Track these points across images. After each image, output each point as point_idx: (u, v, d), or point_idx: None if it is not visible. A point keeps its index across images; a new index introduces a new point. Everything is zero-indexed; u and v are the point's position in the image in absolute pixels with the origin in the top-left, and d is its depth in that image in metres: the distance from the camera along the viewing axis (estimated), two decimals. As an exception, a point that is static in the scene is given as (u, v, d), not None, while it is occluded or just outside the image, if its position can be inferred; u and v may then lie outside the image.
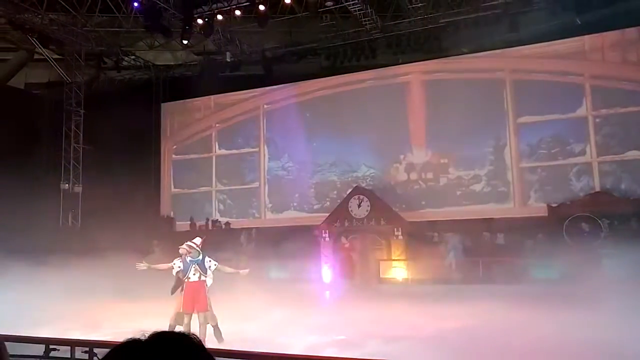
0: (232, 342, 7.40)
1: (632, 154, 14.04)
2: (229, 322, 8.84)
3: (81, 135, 18.09)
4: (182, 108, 19.72)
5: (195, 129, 19.48)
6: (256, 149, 18.47)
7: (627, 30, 14.19)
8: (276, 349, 6.76)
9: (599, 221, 13.49)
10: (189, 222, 18.30)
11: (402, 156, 16.39)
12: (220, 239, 16.68)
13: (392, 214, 15.13)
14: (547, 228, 13.99)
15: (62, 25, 16.34)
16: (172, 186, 19.60)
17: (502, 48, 15.26)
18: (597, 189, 14.25)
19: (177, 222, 18.83)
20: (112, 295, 10.88)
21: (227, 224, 18.08)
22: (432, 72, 16.21)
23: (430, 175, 16.06)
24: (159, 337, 1.06)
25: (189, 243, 7.79)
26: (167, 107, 19.87)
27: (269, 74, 16.99)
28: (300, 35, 16.17)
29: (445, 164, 15.92)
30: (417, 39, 14.90)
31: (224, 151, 18.98)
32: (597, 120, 14.48)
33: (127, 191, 15.80)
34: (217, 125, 19.19)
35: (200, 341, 1.09)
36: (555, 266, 12.11)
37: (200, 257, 7.58)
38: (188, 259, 7.59)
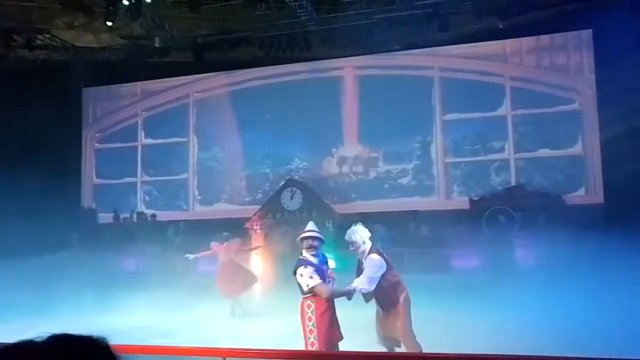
0: (155, 337, 7.22)
1: (543, 152, 15.16)
2: (154, 316, 8.61)
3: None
4: (106, 94, 18.73)
5: (120, 116, 18.58)
6: (185, 139, 17.96)
7: (542, 37, 15.26)
8: (203, 342, 6.67)
9: (514, 214, 14.42)
10: (112, 214, 17.48)
11: (334, 149, 16.63)
12: (146, 231, 16.16)
13: (323, 206, 15.34)
14: (468, 220, 14.76)
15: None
16: (95, 176, 18.62)
17: (432, 47, 15.90)
18: (513, 183, 15.24)
19: (100, 214, 17.92)
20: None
21: (154, 216, 17.47)
22: (365, 67, 16.56)
23: (360, 169, 16.44)
24: (56, 339, 0.97)
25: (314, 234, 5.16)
26: (89, 93, 18.79)
27: (200, 62, 16.51)
28: (234, 23, 15.84)
29: (375, 158, 16.37)
30: (351, 34, 15.12)
31: (150, 140, 18.29)
32: (515, 119, 15.48)
33: (41, 182, 14.76)
34: (143, 113, 18.43)
35: (107, 345, 1.01)
36: (475, 256, 12.86)
37: (320, 256, 5.23)
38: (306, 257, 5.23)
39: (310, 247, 4.94)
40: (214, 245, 10.67)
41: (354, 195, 16.27)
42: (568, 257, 9.02)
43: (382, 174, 16.27)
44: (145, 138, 18.35)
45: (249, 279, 10.74)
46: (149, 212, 17.58)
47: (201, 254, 10.63)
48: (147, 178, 18.18)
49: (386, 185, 16.17)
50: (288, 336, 7.24)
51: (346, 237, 5.23)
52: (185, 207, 17.74)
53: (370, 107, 16.09)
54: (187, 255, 10.75)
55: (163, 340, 7.03)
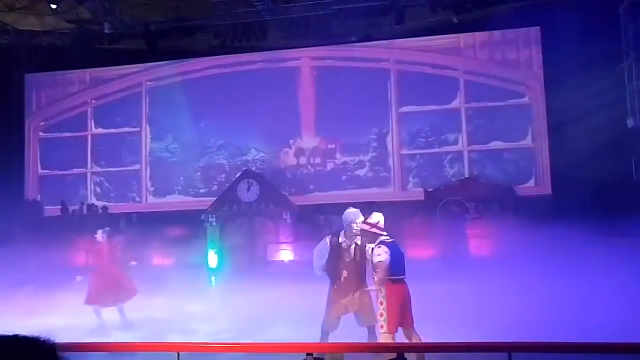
0: (107, 333, 7.00)
1: (495, 144, 15.60)
2: (110, 311, 8.34)
3: None
4: (52, 81, 17.84)
5: (67, 104, 17.75)
6: (137, 129, 17.39)
7: (494, 32, 15.64)
8: (156, 337, 6.51)
9: (467, 205, 14.80)
10: (59, 207, 16.76)
11: (291, 141, 16.53)
12: (96, 224, 15.60)
13: (281, 198, 15.24)
14: (423, 211, 15.03)
15: None
16: (39, 167, 17.77)
17: (388, 39, 16.01)
18: (466, 175, 15.63)
19: (46, 207, 17.13)
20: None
21: (105, 208, 16.86)
22: (322, 58, 16.51)
23: (318, 160, 16.43)
24: (1, 340, 0.96)
25: (364, 222, 5.54)
26: (32, 79, 17.85)
27: (153, 50, 16.00)
28: (189, 11, 15.43)
29: (332, 150, 16.39)
30: (308, 24, 15.03)
31: (101, 130, 17.60)
32: (469, 112, 15.84)
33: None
34: (93, 101, 17.70)
35: (53, 346, 1.00)
36: (429, 245, 13.12)
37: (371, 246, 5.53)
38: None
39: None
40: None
41: (311, 187, 16.26)
42: (519, 246, 9.32)
43: (340, 165, 16.33)
44: (96, 127, 17.64)
45: (124, 291, 8.81)
46: (99, 204, 16.97)
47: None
48: (98, 169, 17.52)
49: (343, 177, 16.25)
50: (246, 328, 7.17)
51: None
52: (137, 199, 17.24)
53: (327, 98, 16.08)
54: (77, 277, 9.36)
55: (112, 337, 6.80)
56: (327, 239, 5.85)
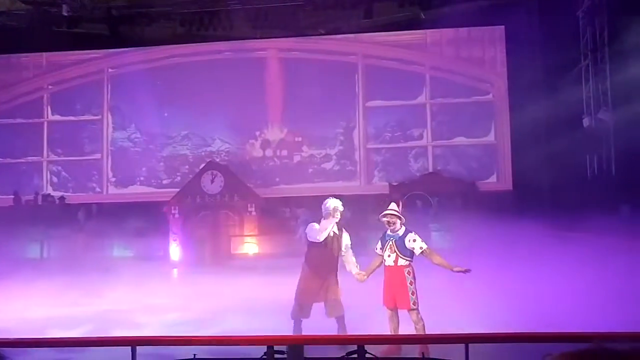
0: (57, 328, 6.79)
1: (458, 140, 15.88)
2: (56, 306, 8.09)
3: None
4: (5, 64, 17.07)
5: (22, 89, 17.03)
6: (98, 117, 16.89)
7: (460, 29, 15.86)
8: (114, 331, 6.35)
9: (430, 199, 15.01)
10: (12, 197, 16.12)
11: (258, 132, 16.39)
12: (52, 215, 15.12)
13: (246, 190, 15.09)
14: (388, 205, 15.15)
15: None
16: (-10, 154, 17.03)
17: (356, 33, 16.01)
18: (430, 170, 15.85)
19: (-4, 196, 16.46)
20: None
21: (62, 198, 16.33)
22: (290, 50, 16.38)
23: (285, 153, 16.35)
24: None
25: (392, 212, 5.59)
26: (-17, 62, 17.10)
27: (116, 35, 15.53)
28: (153, -3, 15.05)
29: (299, 142, 16.34)
30: (276, 15, 14.88)
31: (58, 117, 17.00)
32: (434, 108, 16.04)
33: None
34: (50, 87, 17.06)
35: None
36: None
37: (402, 231, 5.51)
38: (388, 232, 5.59)
39: (389, 223, 5.56)
40: None
41: (277, 179, 16.17)
42: (480, 240, 9.50)
43: (306, 158, 16.31)
44: (53, 114, 17.03)
45: None
46: (56, 194, 16.42)
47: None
48: (55, 157, 16.93)
49: (310, 170, 16.23)
50: (209, 321, 7.07)
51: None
52: (98, 190, 16.77)
53: (295, 90, 15.98)
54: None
55: (65, 331, 6.58)
56: (313, 224, 5.91)
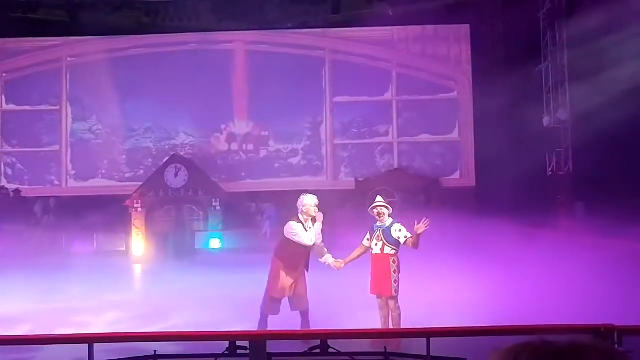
0: (16, 324, 6.56)
1: (424, 137, 16.08)
2: (17, 303, 7.80)
3: None
4: (-43, 50, 16.35)
5: (-27, 76, 16.36)
6: (57, 107, 16.32)
7: (427, 27, 16.04)
8: (71, 329, 6.16)
9: (395, 195, 15.16)
10: (-37, 188, 15.45)
11: (223, 126, 16.18)
12: (7, 208, 14.56)
13: (211, 185, 14.90)
14: (354, 200, 15.24)
15: None
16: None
17: (324, 28, 15.98)
18: (396, 166, 16.01)
19: (-54, 188, 15.73)
20: None
21: (17, 191, 15.75)
22: (257, 43, 16.21)
23: (251, 147, 16.21)
24: None
25: (382, 203, 5.69)
26: None
27: (76, 23, 15.00)
28: (117, -15, 14.62)
29: (265, 137, 16.22)
30: (243, 8, 14.70)
31: (13, 106, 16.34)
32: (400, 105, 16.19)
33: None
34: (4, 75, 16.36)
35: None
36: (358, 234, 13.33)
37: (389, 222, 5.67)
38: (378, 224, 5.70)
39: (379, 214, 5.68)
40: None
41: (243, 174, 16.02)
42: (443, 235, 9.65)
43: (273, 152, 16.21)
44: (7, 103, 16.34)
45: None
46: (11, 186, 15.81)
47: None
48: (9, 149, 16.28)
49: (276, 165, 16.14)
50: (163, 318, 6.94)
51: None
52: (56, 182, 16.24)
53: (261, 84, 15.83)
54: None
55: (20, 329, 6.34)
56: (293, 222, 5.83)
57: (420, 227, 5.43)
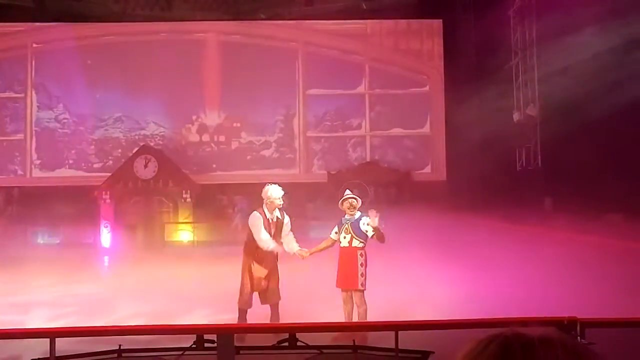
0: None
1: (395, 131, 16.18)
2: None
3: None
4: None
5: None
6: (21, 95, 15.82)
7: (400, 21, 16.09)
8: (35, 322, 6.01)
9: (367, 188, 15.24)
10: None
11: (194, 117, 15.95)
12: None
13: (181, 176, 14.70)
14: (326, 193, 15.25)
15: None
16: None
17: (298, 19, 15.87)
18: (368, 159, 16.08)
19: None
20: None
21: (-21, 181, 15.26)
22: (229, 33, 15.99)
23: (222, 139, 16.03)
24: None
25: (353, 196, 5.62)
26: None
27: (42, 9, 14.54)
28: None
29: (237, 128, 16.06)
30: (216, -3, 14.49)
31: (-25, 93, 15.80)
32: (372, 98, 16.24)
33: None
34: (-34, 61, 15.79)
35: None
36: (330, 227, 13.35)
37: (357, 215, 5.58)
38: (346, 217, 5.60)
39: (350, 207, 5.59)
40: None
41: (214, 166, 15.84)
42: (414, 228, 9.74)
43: (245, 144, 16.06)
44: (-31, 90, 15.78)
45: None
46: (-28, 176, 15.29)
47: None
48: (-29, 137, 15.73)
49: (248, 157, 16.00)
50: (131, 311, 6.82)
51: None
52: (20, 172, 15.77)
53: (234, 75, 15.65)
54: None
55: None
56: (256, 213, 5.78)
57: (372, 220, 5.37)
